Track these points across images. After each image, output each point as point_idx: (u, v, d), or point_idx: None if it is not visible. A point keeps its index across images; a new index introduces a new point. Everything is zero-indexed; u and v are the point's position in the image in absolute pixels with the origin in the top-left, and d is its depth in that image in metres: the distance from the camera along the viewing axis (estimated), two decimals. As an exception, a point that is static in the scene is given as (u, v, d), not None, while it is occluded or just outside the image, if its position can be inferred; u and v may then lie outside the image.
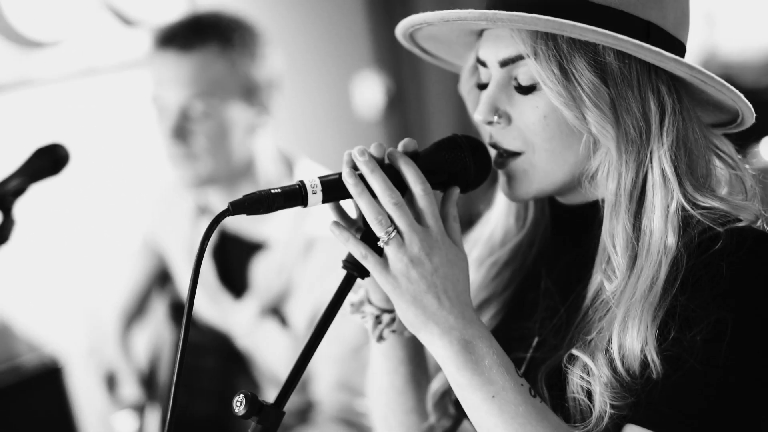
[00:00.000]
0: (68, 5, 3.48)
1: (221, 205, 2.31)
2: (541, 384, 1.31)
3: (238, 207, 1.23)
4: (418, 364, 1.49)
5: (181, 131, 2.21)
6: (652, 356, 1.19)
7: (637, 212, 1.27)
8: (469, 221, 1.62)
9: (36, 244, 3.41)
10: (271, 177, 2.33)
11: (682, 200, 1.24)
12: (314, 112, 4.17)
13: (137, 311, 2.68)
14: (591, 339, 1.26)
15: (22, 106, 3.43)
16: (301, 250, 2.24)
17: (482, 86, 1.38)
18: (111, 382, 2.64)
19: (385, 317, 1.41)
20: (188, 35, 2.22)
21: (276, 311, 2.30)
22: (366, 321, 1.43)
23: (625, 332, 1.22)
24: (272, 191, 1.24)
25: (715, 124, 1.38)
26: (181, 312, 2.50)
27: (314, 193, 1.25)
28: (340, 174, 1.28)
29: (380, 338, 1.43)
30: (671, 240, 1.23)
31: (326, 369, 2.17)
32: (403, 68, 4.31)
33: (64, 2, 3.48)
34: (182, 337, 1.20)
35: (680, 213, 1.24)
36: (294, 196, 1.25)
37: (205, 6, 2.58)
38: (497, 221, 1.53)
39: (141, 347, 2.66)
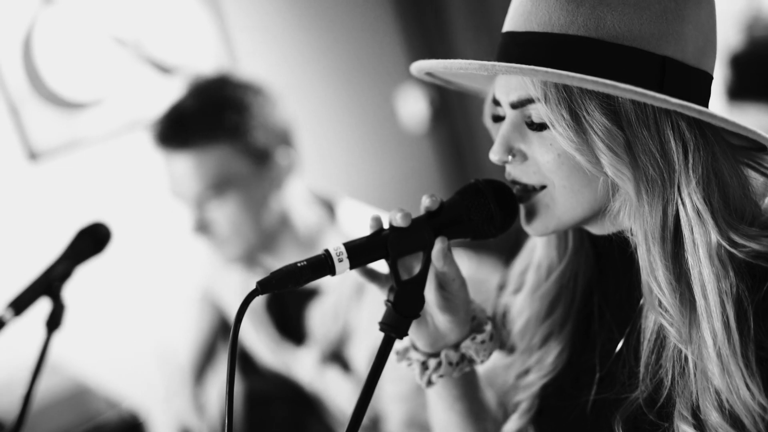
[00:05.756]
0: (105, 63, 3.53)
1: (268, 259, 2.33)
2: (618, 430, 1.27)
3: (266, 286, 1.20)
4: (473, 399, 1.46)
5: (202, 224, 2.21)
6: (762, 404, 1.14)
7: (675, 252, 1.21)
8: (516, 242, 1.59)
9: (100, 301, 3.46)
10: (310, 223, 2.30)
11: (719, 239, 1.18)
12: (359, 135, 4.16)
13: (205, 363, 2.69)
14: (686, 400, 1.21)
15: (73, 168, 3.48)
16: (353, 293, 2.22)
17: (498, 118, 1.34)
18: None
19: (432, 362, 1.38)
20: (177, 134, 2.15)
21: (337, 356, 2.28)
22: (412, 368, 1.40)
23: (731, 386, 1.15)
24: (298, 264, 1.21)
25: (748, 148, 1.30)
26: (245, 361, 2.50)
27: (341, 261, 1.23)
28: (365, 238, 1.26)
29: (429, 383, 1.40)
30: (724, 281, 1.17)
31: (394, 408, 2.14)
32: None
33: (101, 60, 3.52)
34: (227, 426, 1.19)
35: (723, 249, 1.18)
36: (321, 267, 1.22)
37: (208, 73, 2.36)
38: (540, 251, 1.48)
39: (214, 401, 2.68)
